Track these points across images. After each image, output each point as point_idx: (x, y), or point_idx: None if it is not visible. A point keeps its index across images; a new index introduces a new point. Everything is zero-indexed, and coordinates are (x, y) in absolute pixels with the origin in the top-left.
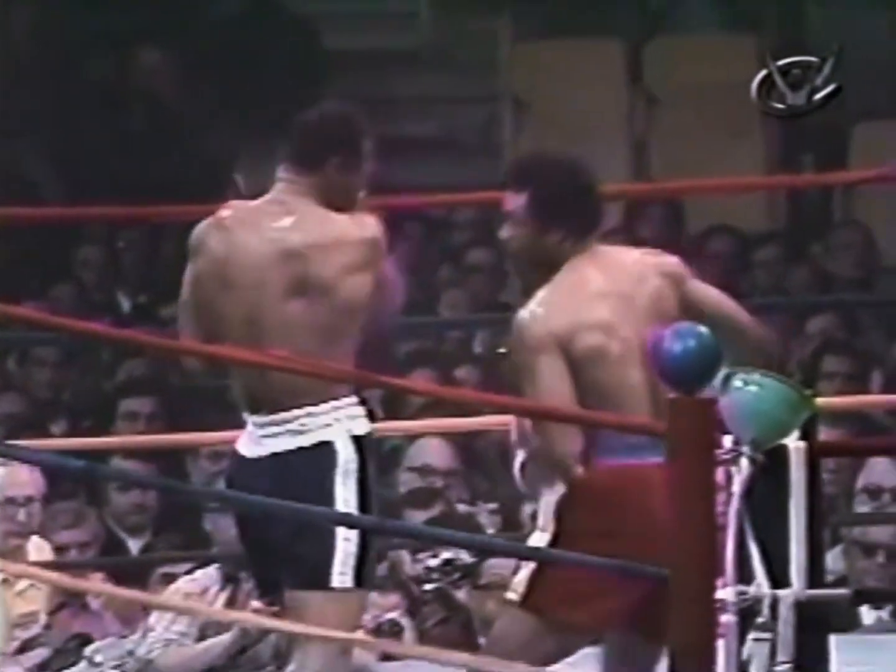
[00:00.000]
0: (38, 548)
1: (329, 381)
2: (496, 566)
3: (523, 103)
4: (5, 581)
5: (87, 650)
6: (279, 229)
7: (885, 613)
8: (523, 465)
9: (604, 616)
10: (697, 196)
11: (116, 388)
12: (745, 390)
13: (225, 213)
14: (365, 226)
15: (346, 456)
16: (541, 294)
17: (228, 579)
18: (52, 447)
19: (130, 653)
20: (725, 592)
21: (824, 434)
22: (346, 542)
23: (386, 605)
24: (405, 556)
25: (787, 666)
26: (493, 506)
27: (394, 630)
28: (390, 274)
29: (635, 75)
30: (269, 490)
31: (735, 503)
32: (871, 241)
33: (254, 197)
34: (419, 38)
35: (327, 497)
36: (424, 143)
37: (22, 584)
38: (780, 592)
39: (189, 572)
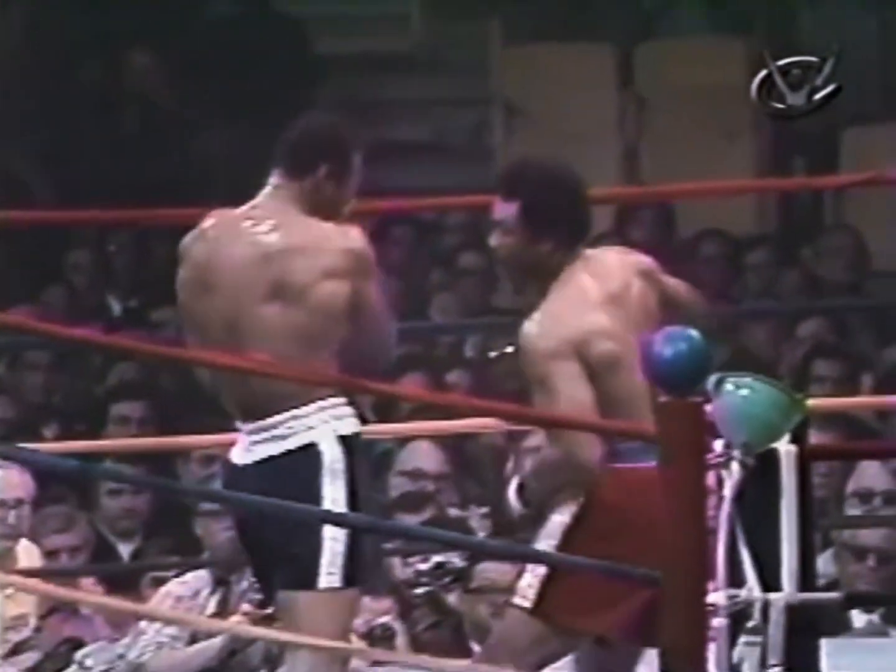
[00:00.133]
0: (27, 552)
1: (314, 385)
2: (487, 570)
3: (514, 107)
4: None
5: (78, 654)
6: (259, 233)
7: (876, 617)
8: (521, 487)
9: (614, 624)
10: (688, 199)
11: (108, 392)
12: (736, 394)
13: (208, 222)
14: (348, 236)
15: (332, 456)
16: (544, 306)
17: (219, 582)
18: (44, 451)
19: (121, 656)
20: (716, 596)
21: (815, 438)
22: (333, 542)
23: (378, 610)
24: (395, 559)
25: (777, 669)
26: (484, 510)
27: (386, 634)
28: (379, 304)
29: (626, 79)
30: (260, 495)
31: (726, 506)
32: (862, 245)
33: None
34: (410, 41)
35: (315, 498)
36: (415, 145)
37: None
38: (771, 596)
39: (178, 575)
